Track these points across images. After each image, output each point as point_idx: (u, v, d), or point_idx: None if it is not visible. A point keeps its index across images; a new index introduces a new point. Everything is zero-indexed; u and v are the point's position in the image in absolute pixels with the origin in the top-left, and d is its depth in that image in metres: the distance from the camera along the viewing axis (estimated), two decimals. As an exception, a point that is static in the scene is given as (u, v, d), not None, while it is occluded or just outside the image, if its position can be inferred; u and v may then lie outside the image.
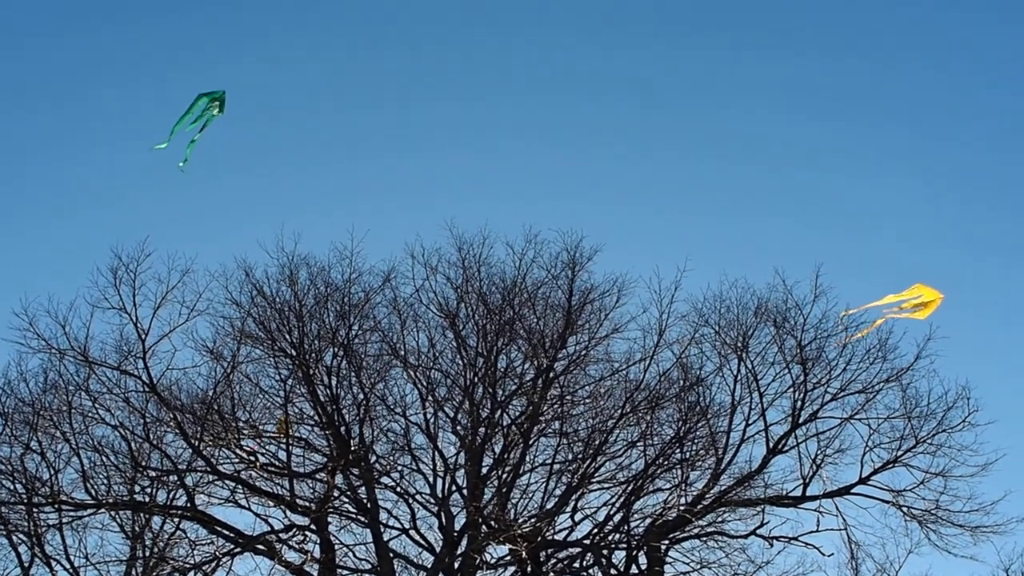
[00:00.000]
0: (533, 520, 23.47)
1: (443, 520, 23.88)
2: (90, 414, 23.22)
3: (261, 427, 24.44)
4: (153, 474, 23.61)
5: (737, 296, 25.37)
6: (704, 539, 24.54)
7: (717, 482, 24.13)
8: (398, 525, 24.27)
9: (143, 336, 22.65)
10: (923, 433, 24.17)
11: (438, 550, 23.75)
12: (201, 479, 23.87)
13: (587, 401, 25.41)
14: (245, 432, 24.04)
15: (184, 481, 23.21)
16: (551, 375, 24.87)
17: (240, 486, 23.73)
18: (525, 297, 25.37)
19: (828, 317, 24.77)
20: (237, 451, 23.80)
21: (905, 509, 24.21)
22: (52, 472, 23.11)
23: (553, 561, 24.34)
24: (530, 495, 24.82)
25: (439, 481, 24.26)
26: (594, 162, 50.27)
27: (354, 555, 24.36)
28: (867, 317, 23.71)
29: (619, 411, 24.39)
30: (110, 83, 48.93)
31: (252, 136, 49.84)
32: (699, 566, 24.32)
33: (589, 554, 24.03)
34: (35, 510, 23.00)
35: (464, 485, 24.28)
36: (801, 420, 24.45)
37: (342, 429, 24.04)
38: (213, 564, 22.69)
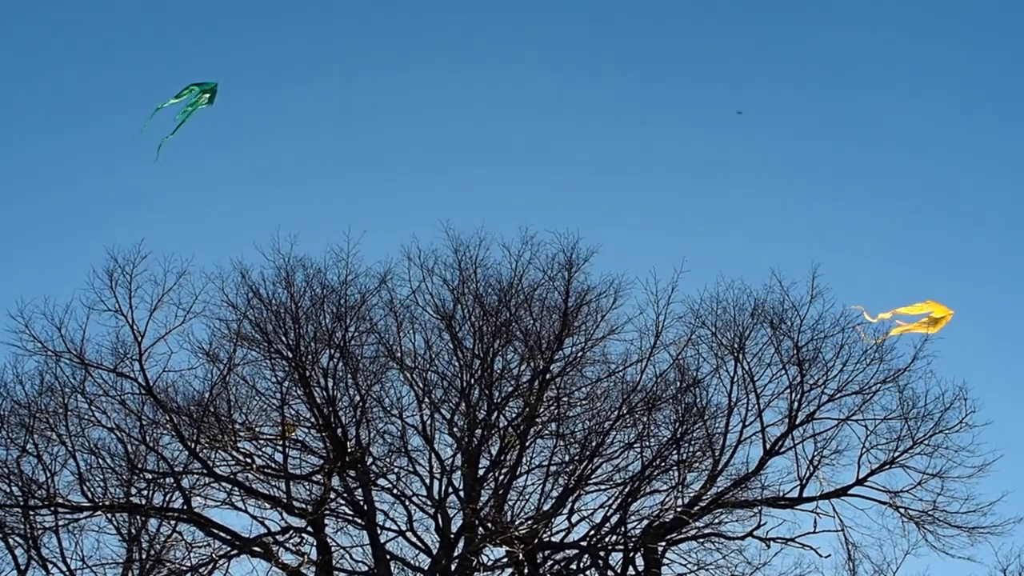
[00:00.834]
0: (530, 522, 23.45)
1: (440, 522, 23.87)
2: (86, 416, 23.25)
3: (257, 429, 24.44)
4: (149, 476, 23.58)
5: (734, 297, 25.42)
6: (701, 540, 24.53)
7: (714, 483, 24.13)
8: (395, 527, 24.28)
9: (139, 338, 22.70)
10: (920, 434, 24.21)
11: (435, 552, 23.74)
12: (197, 481, 23.87)
13: (584, 403, 25.42)
14: (241, 434, 24.03)
15: (180, 483, 23.19)
16: (547, 377, 24.85)
17: (237, 488, 23.73)
18: (521, 299, 25.37)
19: (825, 318, 24.86)
20: (233, 453, 23.79)
21: (902, 510, 24.22)
22: (48, 474, 23.08)
23: (550, 563, 24.32)
24: (527, 497, 24.84)
25: (436, 483, 24.28)
26: (590, 164, 50.32)
27: (351, 557, 24.41)
28: (877, 324, 23.66)
29: (616, 413, 24.40)
30: (108, 89, 48.95)
31: (248, 138, 49.87)
32: (696, 568, 24.34)
33: (586, 556, 24.04)
34: (31, 513, 22.97)
35: (461, 487, 24.26)
36: (798, 421, 24.46)
37: (339, 431, 24.02)
38: (210, 566, 22.62)
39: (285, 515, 23.54)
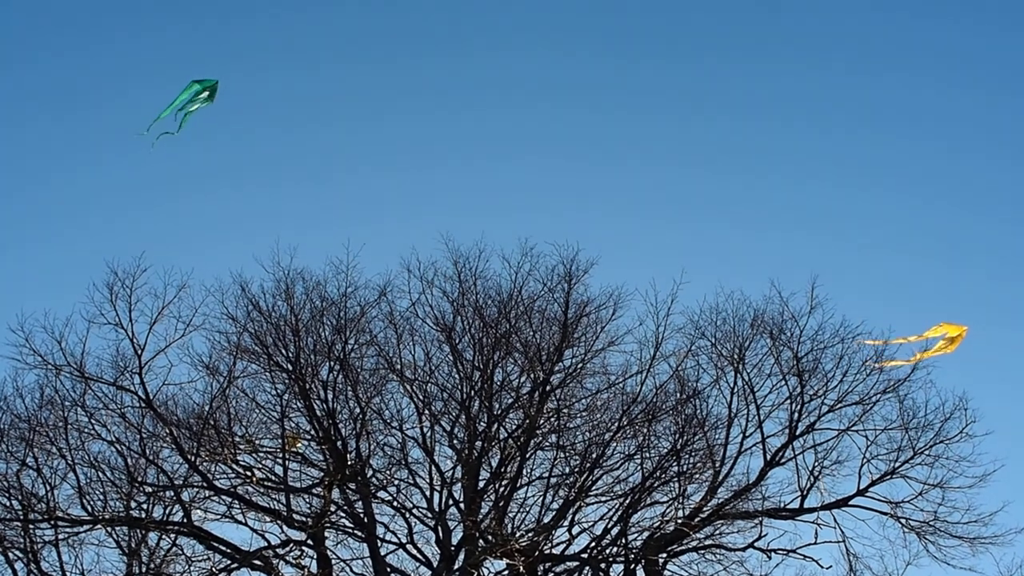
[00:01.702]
0: (530, 534, 23.44)
1: (440, 534, 23.83)
2: (86, 430, 23.23)
3: (257, 442, 24.42)
4: (149, 490, 23.54)
5: (733, 308, 25.48)
6: (702, 552, 24.51)
7: (715, 495, 24.11)
8: (395, 539, 24.22)
9: (139, 351, 22.73)
10: (921, 444, 24.25)
11: (435, 564, 23.70)
12: (197, 494, 23.82)
13: (584, 414, 25.42)
14: (241, 447, 24.02)
15: (180, 496, 23.15)
16: (547, 388, 24.84)
17: (237, 501, 23.69)
18: (521, 310, 25.38)
19: (824, 329, 24.91)
20: (233, 466, 23.78)
21: (903, 520, 24.21)
22: (48, 488, 23.03)
23: (551, 575, 24.28)
24: (527, 509, 24.79)
25: (436, 495, 24.24)
26: (589, 175, 50.29)
27: (351, 570, 24.35)
28: (890, 350, 23.72)
29: (616, 424, 24.40)
30: (106, 97, 48.97)
31: (247, 150, 49.90)
32: (697, 579, 24.29)
33: (587, 568, 23.97)
34: (31, 526, 22.91)
35: (461, 499, 24.24)
36: (798, 432, 24.47)
37: (339, 443, 24.01)
38: (210, 580, 22.63)
39: (285, 528, 23.52)
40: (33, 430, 23.06)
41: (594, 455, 24.36)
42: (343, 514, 24.40)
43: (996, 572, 23.69)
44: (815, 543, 23.96)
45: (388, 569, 23.66)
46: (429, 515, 24.16)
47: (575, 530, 24.30)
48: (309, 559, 23.39)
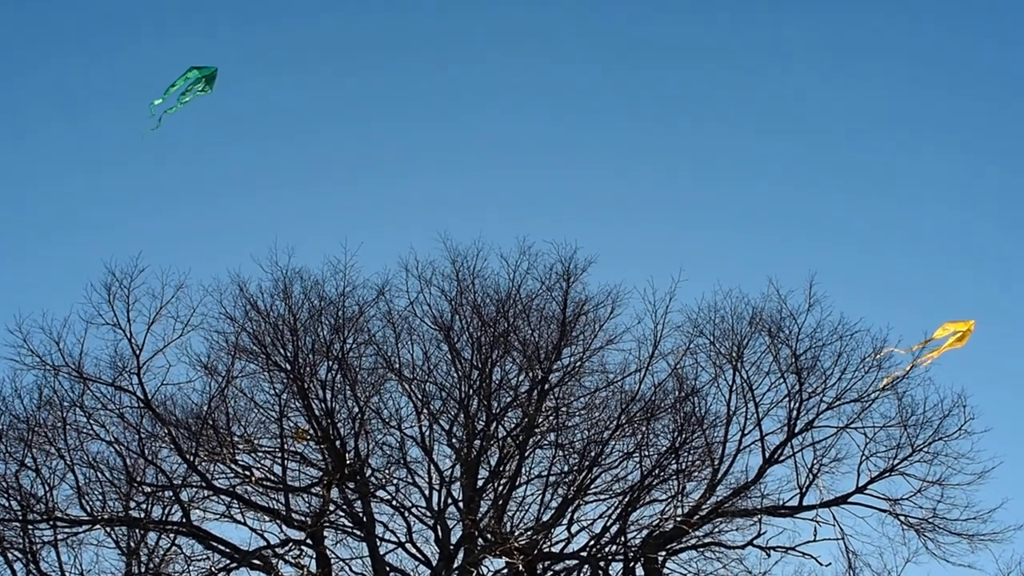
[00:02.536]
0: (529, 532, 23.45)
1: (439, 533, 23.84)
2: (85, 430, 23.22)
3: (256, 441, 24.42)
4: (148, 490, 23.54)
5: (731, 306, 25.46)
6: (701, 550, 24.49)
7: (714, 493, 24.11)
8: (394, 539, 24.23)
9: (137, 352, 22.72)
10: (919, 441, 24.21)
11: (434, 563, 23.69)
12: (196, 494, 23.83)
13: (582, 412, 25.42)
14: (240, 447, 24.01)
15: (179, 496, 23.15)
16: (546, 387, 24.85)
17: (236, 501, 23.69)
18: (519, 309, 25.37)
19: (823, 326, 24.92)
20: (232, 466, 23.77)
21: (902, 518, 24.20)
22: (47, 489, 23.01)
23: (550, 574, 24.31)
24: (526, 507, 24.81)
25: (435, 494, 24.25)
26: (587, 173, 50.28)
27: (350, 569, 24.35)
28: (899, 358, 23.76)
29: (614, 422, 24.39)
30: (105, 101, 49.00)
31: (245, 150, 49.87)
32: (697, 577, 24.29)
33: (586, 566, 23.98)
34: (30, 527, 22.90)
35: (460, 498, 24.24)
36: (797, 430, 24.46)
37: (337, 443, 24.01)
38: (209, 580, 22.63)
39: (284, 527, 23.52)
40: (32, 431, 23.04)
41: (593, 453, 24.37)
42: (342, 513, 24.41)
43: (995, 569, 23.73)
44: (814, 540, 23.96)
45: (387, 568, 23.66)
46: (428, 514, 24.18)
47: (574, 528, 24.32)
48: (308, 558, 23.40)
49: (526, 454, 24.59)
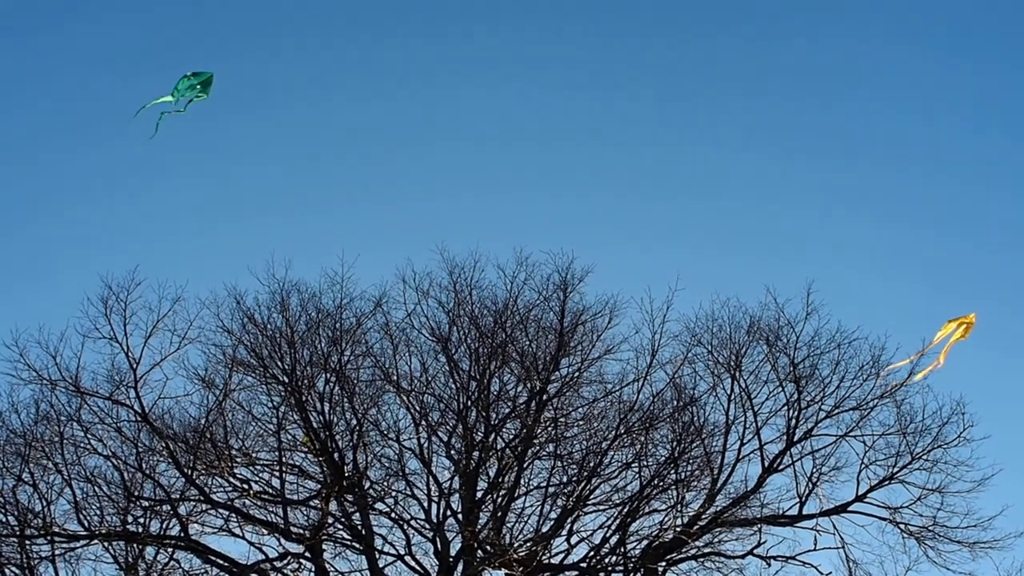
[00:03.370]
0: (529, 544, 23.38)
1: (438, 545, 23.77)
2: (82, 444, 23.16)
3: (254, 455, 24.36)
4: (146, 504, 23.48)
5: (729, 315, 25.46)
6: (701, 560, 24.43)
7: (713, 502, 24.07)
8: (393, 551, 24.12)
9: (134, 365, 22.66)
10: (919, 449, 24.21)
11: (433, 575, 23.62)
12: (194, 508, 23.75)
13: (581, 423, 25.37)
14: (238, 460, 23.96)
15: (177, 510, 23.07)
16: (544, 397, 24.82)
17: (234, 514, 23.62)
18: (517, 320, 25.35)
19: (820, 335, 24.92)
20: (230, 479, 23.73)
21: (902, 526, 24.18)
22: (44, 503, 22.97)
23: (550, 585, 24.21)
24: (525, 519, 24.73)
25: (434, 506, 24.17)
26: (584, 184, 50.32)
27: (349, 582, 24.24)
28: (909, 363, 23.72)
29: (613, 432, 24.36)
30: (100, 118, 49.06)
31: (242, 164, 49.89)
32: (697, 587, 24.23)
33: (586, 577, 23.92)
34: (28, 542, 22.85)
35: (459, 510, 24.17)
36: (796, 438, 24.45)
37: (335, 455, 23.95)
38: (208, 594, 22.56)
39: (283, 541, 23.47)
40: (29, 445, 23.00)
41: (592, 464, 24.32)
42: (341, 526, 24.33)
43: (996, 576, 23.68)
44: (814, 549, 23.97)
45: (386, 581, 23.59)
46: (427, 526, 24.10)
47: (573, 539, 24.26)
48: (307, 572, 23.38)
49: (525, 465, 24.55)
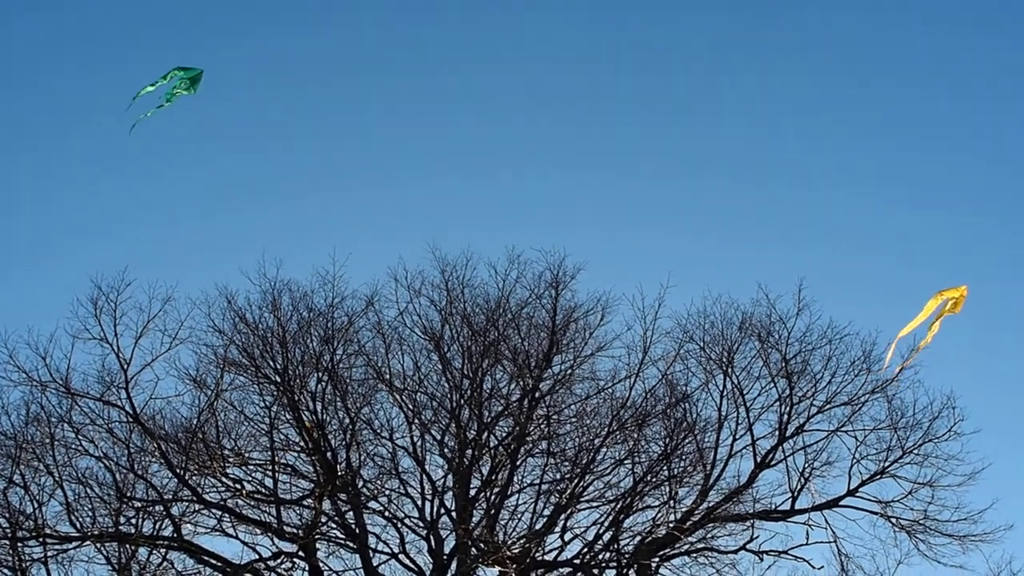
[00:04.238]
0: (522, 541, 23.40)
1: (432, 543, 23.78)
2: (73, 446, 23.08)
3: (247, 454, 24.30)
4: (138, 505, 23.37)
5: (721, 311, 25.51)
6: (694, 555, 24.51)
7: (706, 498, 24.14)
8: (387, 550, 24.11)
9: (125, 366, 22.63)
10: (909, 444, 24.32)
11: (428, 574, 23.64)
12: (187, 508, 23.69)
13: (573, 420, 25.43)
14: (230, 460, 23.89)
15: (170, 511, 23.01)
16: (537, 395, 24.86)
17: (227, 514, 23.58)
18: (509, 318, 25.39)
19: (812, 330, 25.00)
20: (223, 479, 23.67)
21: (894, 520, 24.29)
22: (36, 505, 22.85)
23: (544, 582, 24.25)
24: (519, 516, 24.74)
25: (427, 504, 24.19)
26: (574, 181, 50.31)
27: (343, 581, 24.21)
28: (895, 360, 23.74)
29: (606, 429, 24.40)
30: (88, 116, 48.82)
31: (232, 161, 49.67)
32: (690, 582, 24.29)
33: (580, 574, 23.95)
34: (19, 544, 22.72)
35: (452, 507, 24.19)
36: (788, 434, 24.54)
37: (328, 454, 23.92)
38: (201, 594, 22.51)
39: (276, 540, 23.44)
40: (19, 447, 22.85)
41: (584, 461, 24.36)
42: (334, 525, 24.30)
43: (986, 569, 23.84)
44: (806, 544, 24.05)
45: (380, 579, 23.58)
46: (421, 524, 24.11)
47: (567, 536, 24.33)
48: (301, 571, 23.35)
49: (518, 463, 24.59)
